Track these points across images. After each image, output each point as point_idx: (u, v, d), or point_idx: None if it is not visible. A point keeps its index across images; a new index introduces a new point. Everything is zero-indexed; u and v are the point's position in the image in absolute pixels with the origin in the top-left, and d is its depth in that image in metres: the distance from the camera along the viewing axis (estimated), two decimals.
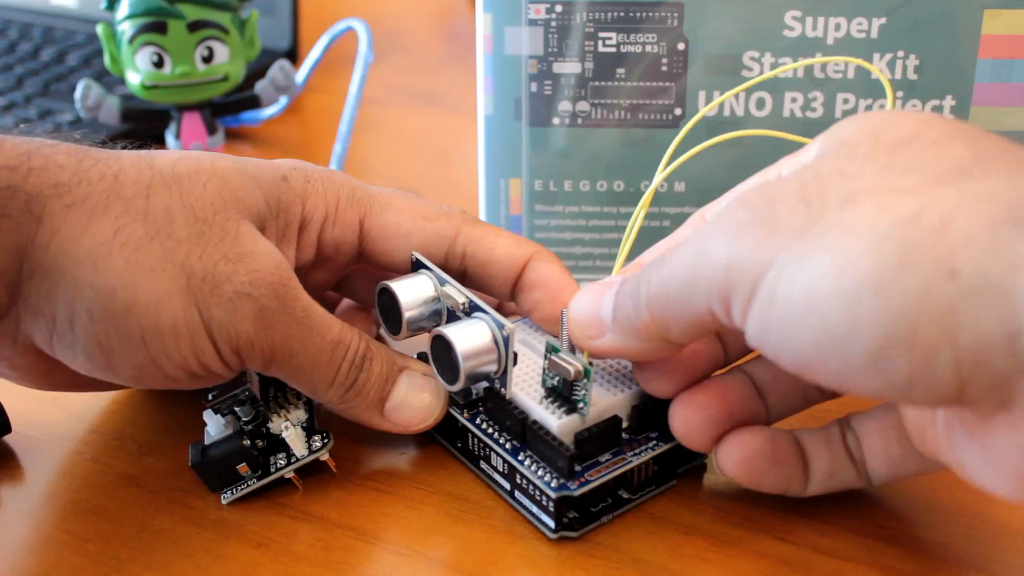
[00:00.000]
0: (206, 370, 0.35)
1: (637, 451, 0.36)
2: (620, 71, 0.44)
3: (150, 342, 0.33)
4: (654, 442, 0.37)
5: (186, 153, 0.36)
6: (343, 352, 0.36)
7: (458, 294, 0.37)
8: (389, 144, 0.67)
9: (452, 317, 0.38)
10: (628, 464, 0.36)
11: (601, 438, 0.36)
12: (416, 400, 0.38)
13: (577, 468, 0.35)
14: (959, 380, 0.25)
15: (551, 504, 0.35)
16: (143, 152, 0.36)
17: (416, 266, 0.39)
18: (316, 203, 0.38)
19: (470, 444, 0.38)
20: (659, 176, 0.39)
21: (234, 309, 0.34)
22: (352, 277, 0.42)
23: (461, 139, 0.66)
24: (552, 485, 0.34)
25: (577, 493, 0.34)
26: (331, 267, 0.40)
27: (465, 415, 0.38)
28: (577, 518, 0.35)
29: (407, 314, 0.38)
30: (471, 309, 0.37)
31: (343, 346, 0.36)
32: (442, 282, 0.38)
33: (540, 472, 0.35)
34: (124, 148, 0.37)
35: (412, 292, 0.38)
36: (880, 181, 0.27)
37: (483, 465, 0.38)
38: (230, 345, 0.34)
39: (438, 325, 0.38)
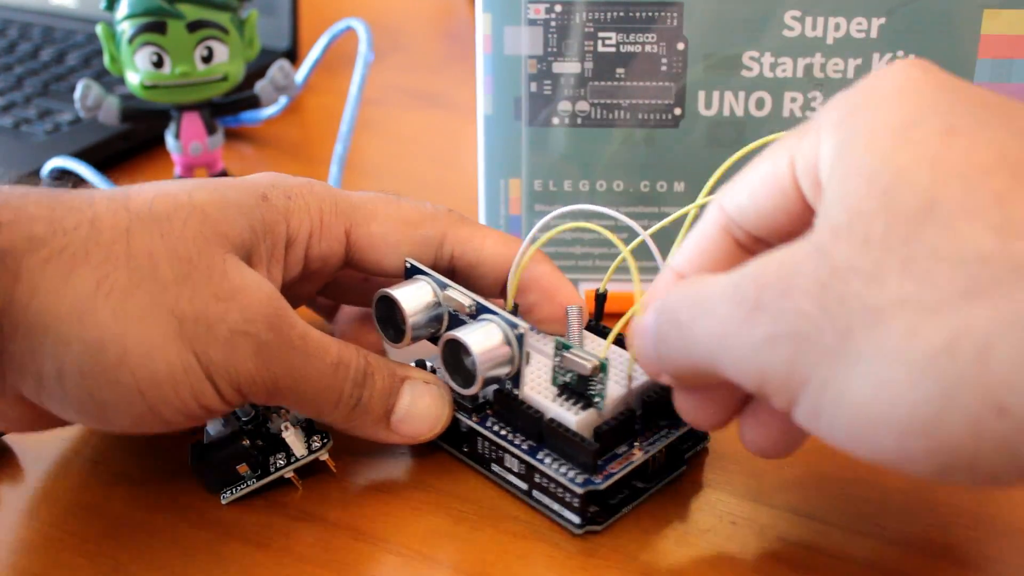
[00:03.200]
0: (206, 411, 0.34)
1: (651, 440, 0.37)
2: (620, 71, 0.44)
3: (147, 392, 0.32)
4: (665, 431, 0.37)
5: (162, 189, 0.35)
6: (344, 372, 0.36)
7: (463, 297, 0.37)
8: (389, 144, 0.67)
9: (455, 321, 0.38)
10: (647, 454, 0.36)
11: (619, 431, 0.36)
12: (421, 410, 0.37)
13: (599, 462, 0.35)
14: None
15: (576, 500, 0.35)
16: (117, 193, 0.35)
17: (411, 272, 0.39)
18: (301, 219, 0.37)
19: (479, 448, 0.38)
20: (699, 199, 0.38)
21: (232, 349, 0.33)
22: (338, 280, 0.42)
23: (461, 139, 0.66)
24: (577, 481, 0.35)
25: (603, 487, 0.35)
26: (317, 278, 0.40)
27: (474, 419, 0.38)
28: (599, 512, 0.36)
29: (411, 320, 0.38)
30: (478, 311, 0.37)
31: (344, 367, 0.36)
32: (442, 286, 0.38)
33: (563, 469, 0.35)
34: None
35: (413, 299, 0.38)
36: (903, 293, 0.26)
37: (495, 468, 0.38)
38: (231, 384, 0.34)
39: (438, 331, 0.38)
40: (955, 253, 0.25)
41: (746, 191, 0.33)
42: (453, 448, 0.39)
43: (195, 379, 0.33)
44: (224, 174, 0.58)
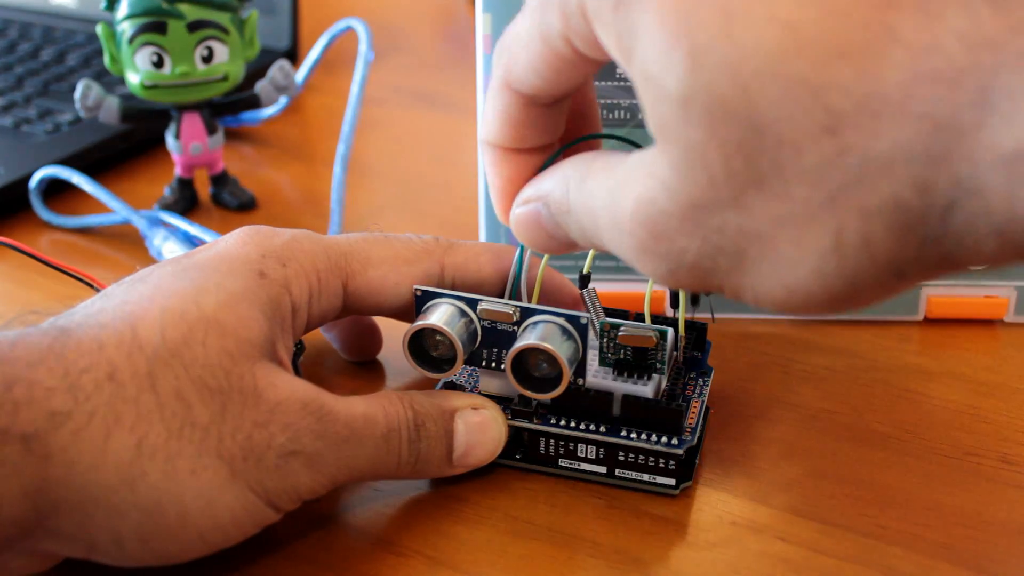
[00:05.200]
0: (265, 527, 0.34)
1: (698, 391, 0.39)
2: (619, 71, 0.44)
3: (211, 538, 0.32)
4: (699, 379, 0.40)
5: (164, 302, 0.33)
6: (397, 437, 0.35)
7: (504, 307, 0.37)
8: (389, 144, 0.67)
9: (490, 331, 0.38)
10: (703, 403, 0.39)
11: (680, 387, 0.39)
12: (479, 438, 0.37)
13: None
14: None
15: (672, 463, 0.37)
16: (122, 326, 0.32)
17: (423, 299, 0.38)
18: (300, 285, 0.36)
19: (543, 448, 0.38)
20: None
21: (285, 472, 0.33)
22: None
23: (461, 139, 0.66)
24: (673, 443, 0.36)
25: (696, 441, 0.37)
26: (312, 327, 0.39)
27: (535, 422, 0.38)
28: (684, 468, 0.37)
29: (461, 345, 0.37)
30: (524, 315, 0.37)
31: (395, 432, 0.35)
32: (471, 303, 0.37)
33: (653, 438, 0.37)
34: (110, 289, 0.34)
35: (453, 324, 0.37)
36: (774, 212, 0.26)
37: (563, 463, 0.38)
38: (293, 501, 0.33)
39: (476, 347, 0.38)
40: (800, 166, 0.25)
41: (529, 72, 0.31)
42: (502, 458, 0.38)
43: (256, 512, 0.33)
44: (224, 174, 0.58)
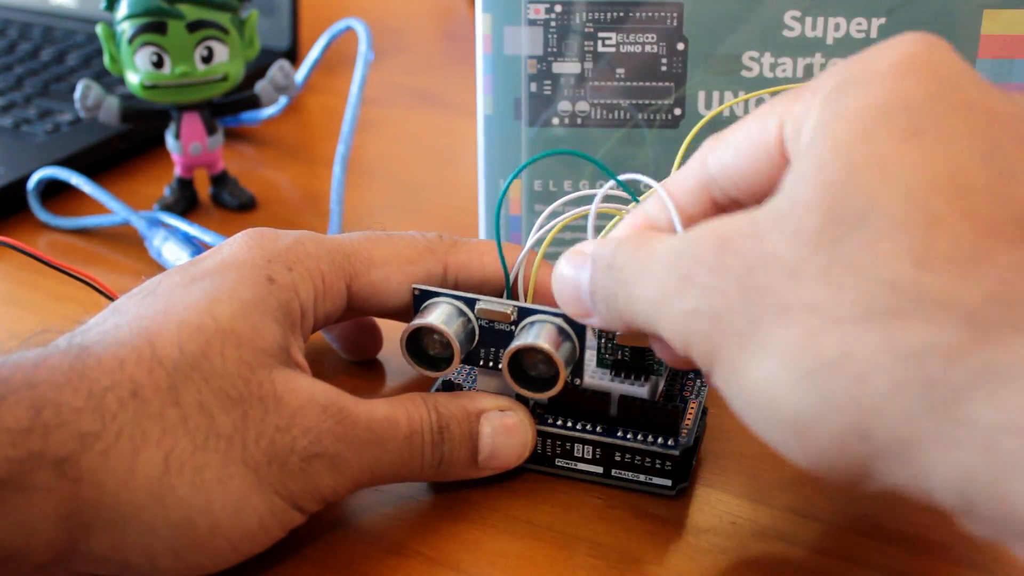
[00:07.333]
0: (292, 530, 0.34)
1: (696, 392, 0.39)
2: (620, 71, 0.44)
3: (241, 546, 0.32)
4: (698, 380, 0.40)
5: (180, 316, 0.33)
6: (419, 440, 0.35)
7: (502, 306, 0.37)
8: (389, 144, 0.67)
9: (488, 331, 0.38)
10: (701, 403, 0.39)
11: (676, 388, 0.39)
12: (505, 440, 0.37)
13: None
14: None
15: (668, 463, 0.37)
16: (140, 341, 0.32)
17: (421, 298, 0.38)
18: (307, 288, 0.36)
19: (539, 447, 0.38)
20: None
21: (309, 474, 0.33)
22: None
23: (461, 139, 0.66)
24: (669, 444, 0.36)
25: (692, 442, 0.37)
26: (316, 329, 0.39)
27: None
28: (681, 470, 0.37)
29: (458, 343, 0.37)
30: (521, 315, 0.37)
31: (417, 435, 0.35)
32: (470, 302, 0.37)
33: (649, 439, 0.37)
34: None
35: (451, 324, 0.37)
36: (813, 298, 0.26)
37: (560, 462, 0.38)
38: (317, 502, 0.34)
39: (473, 345, 0.38)
40: (869, 271, 0.26)
41: (731, 149, 0.32)
42: None
43: (283, 515, 0.33)
44: (224, 174, 0.58)
